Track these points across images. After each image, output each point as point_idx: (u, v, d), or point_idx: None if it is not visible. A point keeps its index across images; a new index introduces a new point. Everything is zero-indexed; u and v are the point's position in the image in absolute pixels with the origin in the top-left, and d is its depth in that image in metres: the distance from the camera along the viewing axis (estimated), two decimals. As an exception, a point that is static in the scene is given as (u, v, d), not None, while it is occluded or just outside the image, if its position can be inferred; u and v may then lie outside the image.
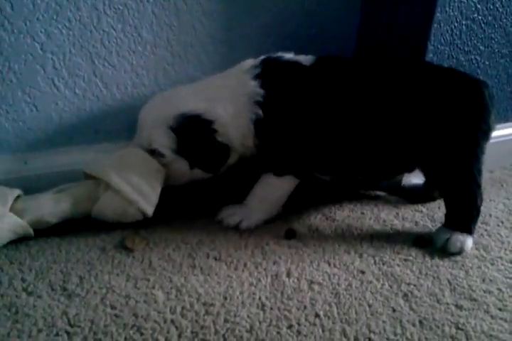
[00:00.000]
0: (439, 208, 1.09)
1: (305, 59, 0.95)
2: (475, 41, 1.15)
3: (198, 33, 1.07)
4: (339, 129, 0.93)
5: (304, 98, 0.92)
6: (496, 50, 1.20)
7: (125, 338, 0.65)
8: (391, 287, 0.80)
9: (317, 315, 0.72)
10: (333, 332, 0.68)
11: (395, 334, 0.69)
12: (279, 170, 0.96)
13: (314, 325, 0.70)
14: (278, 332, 0.68)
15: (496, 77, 1.25)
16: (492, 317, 0.74)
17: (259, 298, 0.75)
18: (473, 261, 0.89)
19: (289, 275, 0.82)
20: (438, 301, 0.77)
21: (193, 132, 0.91)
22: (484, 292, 0.80)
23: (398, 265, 0.86)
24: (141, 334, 0.66)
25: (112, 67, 1.01)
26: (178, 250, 0.87)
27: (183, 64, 1.08)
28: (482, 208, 0.95)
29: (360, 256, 0.89)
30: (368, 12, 1.22)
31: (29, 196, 0.89)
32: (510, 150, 1.36)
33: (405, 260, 0.88)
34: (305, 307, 0.74)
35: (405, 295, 0.78)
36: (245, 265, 0.84)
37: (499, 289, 0.81)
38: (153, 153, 0.93)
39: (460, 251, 0.91)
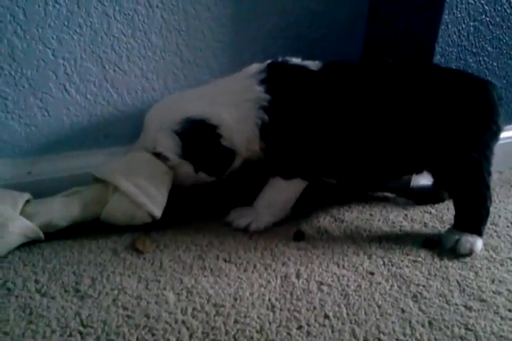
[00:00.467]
0: (447, 209, 1.09)
1: (313, 64, 0.95)
2: (483, 42, 1.15)
3: (206, 37, 1.08)
4: (348, 134, 0.93)
5: (313, 103, 0.92)
6: (504, 51, 1.20)
7: (137, 338, 0.66)
8: (400, 288, 0.80)
9: (326, 316, 0.72)
10: (342, 333, 0.69)
11: (404, 335, 0.69)
12: (287, 174, 0.96)
13: (324, 325, 0.70)
14: (288, 333, 0.68)
15: (504, 78, 1.25)
16: (501, 318, 0.74)
17: (269, 299, 0.76)
18: (482, 262, 0.89)
19: (298, 276, 0.82)
20: (447, 302, 0.77)
21: (198, 137, 0.91)
22: (494, 293, 0.80)
23: (407, 266, 0.87)
24: (153, 334, 0.67)
25: (122, 72, 1.02)
26: (189, 252, 0.88)
27: (192, 68, 1.09)
28: (491, 209, 0.94)
29: (369, 257, 0.89)
30: (375, 14, 1.22)
31: (39, 200, 0.90)
32: (520, 151, 1.35)
33: (414, 261, 0.88)
34: (314, 308, 0.74)
35: (414, 296, 0.78)
36: (255, 266, 0.84)
37: (508, 290, 0.81)
38: (158, 156, 0.93)
39: (470, 253, 0.91)
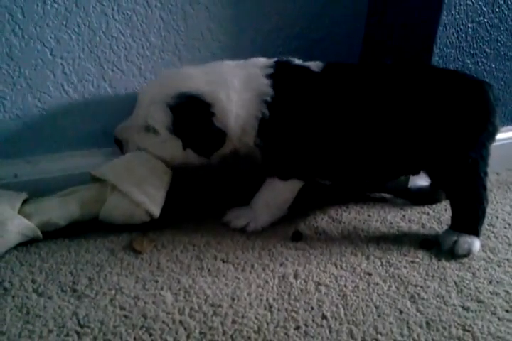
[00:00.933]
0: (445, 210, 1.09)
1: (314, 65, 0.95)
2: (481, 44, 1.15)
3: (205, 37, 1.08)
4: (346, 135, 0.93)
5: (313, 104, 0.92)
6: (502, 53, 1.21)
7: (134, 339, 0.66)
8: (398, 289, 0.80)
9: (324, 317, 0.72)
10: (340, 334, 0.69)
11: (402, 336, 0.69)
12: (284, 174, 0.96)
13: (321, 326, 0.70)
14: (285, 333, 0.68)
15: (502, 80, 1.25)
16: (499, 318, 0.74)
17: (267, 300, 0.76)
18: (480, 263, 0.89)
19: (296, 276, 0.82)
20: (445, 303, 0.77)
21: (190, 112, 0.89)
22: (491, 294, 0.80)
23: (405, 267, 0.87)
24: (150, 334, 0.67)
25: (120, 71, 1.02)
26: (186, 252, 0.88)
27: (190, 68, 1.09)
28: (489, 210, 0.95)
29: (367, 258, 0.89)
30: (373, 15, 1.22)
31: (37, 199, 0.90)
32: (517, 152, 1.36)
33: (412, 262, 0.88)
34: (312, 308, 0.74)
35: (412, 296, 0.78)
36: (252, 266, 0.84)
37: (506, 291, 0.81)
38: (148, 130, 0.92)
39: (468, 253, 0.91)
